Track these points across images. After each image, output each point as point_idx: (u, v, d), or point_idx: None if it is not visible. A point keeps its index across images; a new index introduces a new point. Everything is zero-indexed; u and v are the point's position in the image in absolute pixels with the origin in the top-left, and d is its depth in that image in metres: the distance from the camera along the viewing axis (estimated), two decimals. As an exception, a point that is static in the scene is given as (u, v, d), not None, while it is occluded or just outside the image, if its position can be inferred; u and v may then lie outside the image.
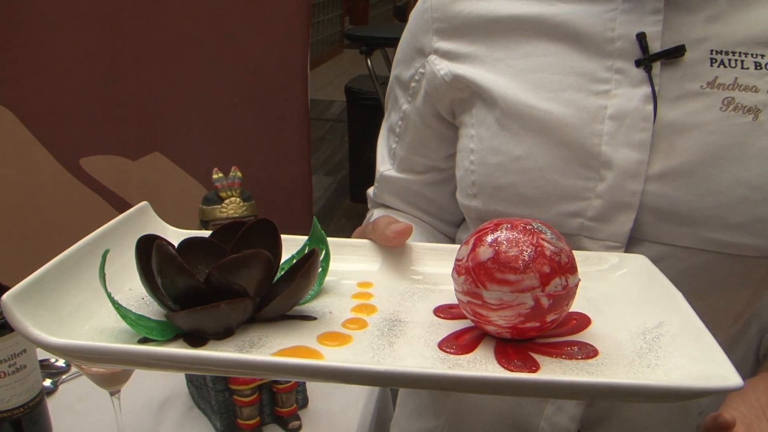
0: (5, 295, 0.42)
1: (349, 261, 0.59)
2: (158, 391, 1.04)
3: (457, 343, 0.48)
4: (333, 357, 0.45)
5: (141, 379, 1.05)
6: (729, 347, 0.70)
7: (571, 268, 0.47)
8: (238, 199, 0.87)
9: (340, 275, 0.57)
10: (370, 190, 0.86)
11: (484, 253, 0.46)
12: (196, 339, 0.45)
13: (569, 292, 0.46)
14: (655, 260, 0.60)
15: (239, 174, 0.89)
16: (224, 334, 0.47)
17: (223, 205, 0.86)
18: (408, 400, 0.86)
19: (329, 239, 0.57)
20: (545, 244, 0.46)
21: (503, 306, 0.46)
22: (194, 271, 0.47)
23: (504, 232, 0.47)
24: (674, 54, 0.60)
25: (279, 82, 1.59)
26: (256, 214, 0.90)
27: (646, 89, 0.60)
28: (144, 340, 0.45)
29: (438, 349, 0.47)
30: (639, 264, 0.56)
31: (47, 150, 1.55)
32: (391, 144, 0.81)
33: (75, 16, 1.50)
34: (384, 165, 0.82)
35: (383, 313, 0.52)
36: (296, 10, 1.55)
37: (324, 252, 0.56)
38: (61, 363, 1.09)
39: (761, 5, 0.60)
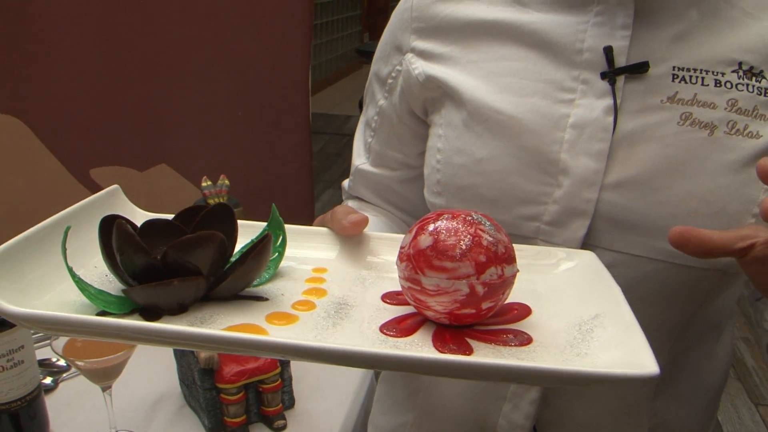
0: None
1: (307, 248, 0.61)
2: (152, 390, 1.07)
3: (398, 327, 0.51)
4: (277, 335, 0.48)
5: (136, 379, 1.09)
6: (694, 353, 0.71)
7: (507, 259, 0.49)
8: (225, 205, 0.91)
9: (298, 261, 0.60)
10: (345, 183, 0.89)
11: (424, 241, 0.49)
12: (152, 314, 0.48)
13: (505, 282, 0.49)
14: (608, 267, 0.62)
15: (227, 182, 0.93)
16: (178, 310, 0.50)
17: (212, 209, 0.90)
18: (384, 397, 0.88)
19: (290, 226, 0.60)
20: (483, 234, 0.49)
21: (440, 292, 0.49)
22: (154, 250, 0.50)
23: (444, 221, 0.50)
24: (638, 69, 0.62)
25: (282, 94, 1.64)
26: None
27: (609, 101, 0.62)
28: (102, 314, 0.48)
29: (379, 331, 0.50)
30: (586, 260, 0.58)
31: (58, 160, 1.61)
32: (367, 138, 0.83)
33: (83, 32, 1.56)
34: (359, 159, 0.85)
35: (332, 297, 0.54)
36: (298, 25, 1.60)
37: (281, 238, 0.59)
38: (62, 362, 1.13)
39: (728, 26, 0.62)
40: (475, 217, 0.50)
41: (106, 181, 1.63)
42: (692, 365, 0.71)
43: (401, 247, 0.52)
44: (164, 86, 1.60)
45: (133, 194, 1.85)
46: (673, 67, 0.62)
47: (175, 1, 1.56)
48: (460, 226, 0.49)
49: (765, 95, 0.61)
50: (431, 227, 0.50)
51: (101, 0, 1.55)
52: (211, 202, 0.91)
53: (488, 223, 0.50)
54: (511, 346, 0.48)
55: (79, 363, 0.86)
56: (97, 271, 0.53)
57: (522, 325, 0.52)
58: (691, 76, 0.61)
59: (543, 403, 0.70)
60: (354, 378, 1.12)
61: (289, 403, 1.04)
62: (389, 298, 0.55)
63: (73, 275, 0.47)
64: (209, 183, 0.92)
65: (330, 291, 0.56)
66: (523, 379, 0.43)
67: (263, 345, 0.42)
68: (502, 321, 0.52)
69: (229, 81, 1.62)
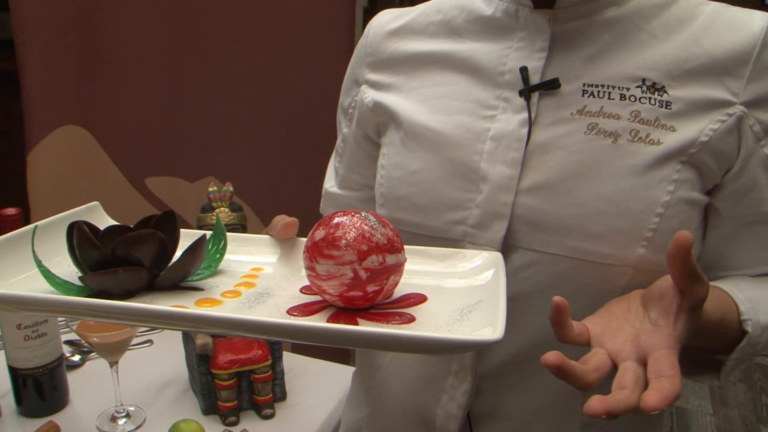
0: None
1: (250, 252, 0.71)
2: (162, 374, 1.19)
3: (302, 310, 0.59)
4: None
5: (148, 363, 1.22)
6: None
7: (390, 249, 0.57)
8: (227, 210, 1.02)
9: (239, 263, 0.69)
10: (321, 205, 0.99)
11: (319, 234, 0.58)
12: (103, 298, 0.59)
13: (387, 268, 0.57)
14: (527, 265, 0.69)
15: (231, 188, 1.03)
16: (125, 296, 0.60)
17: (214, 213, 1.01)
18: (350, 395, 0.96)
19: (237, 234, 0.71)
20: (366, 228, 0.57)
21: (330, 277, 0.57)
22: (106, 248, 0.61)
23: (337, 218, 0.58)
24: (550, 86, 0.69)
25: (323, 119, 1.75)
26: (245, 224, 1.04)
27: (525, 115, 0.69)
28: None
29: (286, 313, 0.59)
30: (490, 259, 0.65)
31: (118, 169, 1.78)
32: (336, 163, 0.93)
33: (146, 53, 1.73)
34: (329, 182, 0.94)
35: (258, 289, 0.64)
36: (341, 54, 1.72)
37: (222, 242, 0.69)
38: (91, 344, 1.27)
39: (636, 47, 0.69)
40: (364, 215, 0.58)
41: (160, 190, 1.79)
42: None
43: (306, 243, 0.60)
44: (216, 106, 1.75)
45: (183, 202, 2.03)
46: (584, 84, 0.68)
47: (228, 29, 1.71)
48: (348, 221, 0.58)
49: (666, 107, 0.66)
50: (326, 223, 0.59)
51: (164, 25, 1.72)
52: (215, 205, 1.02)
53: (374, 219, 0.58)
54: (394, 323, 0.56)
55: (93, 338, 0.99)
56: (69, 270, 0.64)
57: (414, 311, 0.59)
58: (599, 91, 0.68)
59: (475, 394, 0.75)
60: (346, 379, 1.20)
61: (281, 395, 1.13)
62: (307, 290, 0.64)
63: (39, 265, 0.59)
64: (215, 188, 1.03)
65: (259, 285, 0.65)
66: (378, 344, 0.50)
67: (166, 315, 0.52)
68: (396, 306, 0.60)
69: (275, 104, 1.75)
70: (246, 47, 1.73)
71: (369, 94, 0.81)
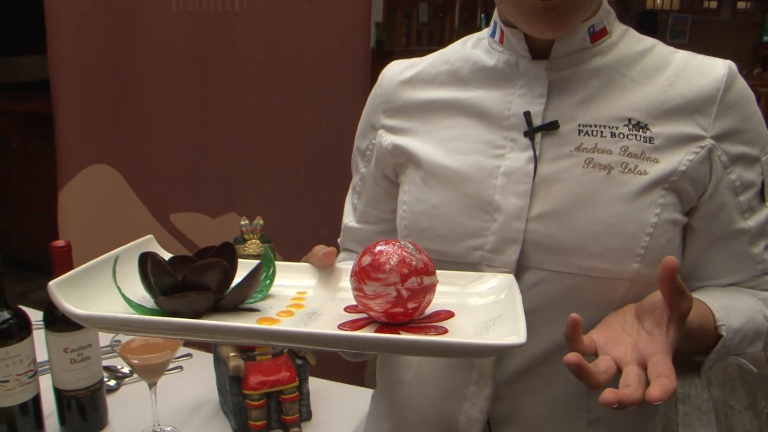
0: (51, 283, 0.66)
1: (294, 278, 0.80)
2: (194, 396, 1.27)
3: (351, 325, 0.68)
4: None
5: (181, 387, 1.29)
6: None
7: (426, 272, 0.66)
8: (257, 242, 1.11)
9: (285, 287, 0.78)
10: (340, 239, 1.07)
11: (365, 261, 0.67)
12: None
13: (424, 288, 0.66)
14: (538, 283, 0.78)
15: (261, 222, 1.13)
16: (193, 316, 0.69)
17: (246, 245, 1.10)
18: (373, 411, 1.03)
19: (281, 263, 0.80)
20: (406, 254, 0.66)
21: (377, 296, 0.66)
22: (177, 274, 0.70)
23: (380, 247, 0.67)
24: (551, 127, 0.79)
25: (338, 158, 1.85)
26: (274, 255, 1.13)
27: (530, 153, 0.80)
28: None
29: (337, 328, 0.67)
30: (505, 280, 0.75)
31: (144, 205, 1.88)
32: (354, 200, 1.02)
33: (173, 98, 1.84)
34: (348, 218, 1.04)
35: (307, 309, 0.72)
36: (355, 99, 1.82)
37: (271, 269, 0.77)
38: (125, 369, 1.34)
39: (621, 91, 0.79)
40: (403, 244, 0.67)
41: (184, 225, 1.89)
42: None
43: (352, 268, 0.69)
44: (237, 146, 1.85)
45: (205, 236, 2.13)
46: (579, 124, 0.79)
47: (249, 75, 1.82)
48: (390, 249, 0.67)
49: (650, 142, 0.77)
50: (370, 251, 0.68)
51: (190, 71, 1.83)
52: (246, 237, 1.11)
53: (412, 246, 0.67)
54: (431, 335, 0.65)
55: (133, 359, 1.07)
56: (137, 294, 0.73)
57: (446, 324, 0.68)
58: (592, 130, 0.78)
59: (495, 399, 0.84)
60: (364, 400, 1.27)
61: (307, 415, 1.20)
62: (350, 309, 0.73)
63: (119, 289, 0.68)
64: (246, 222, 1.12)
65: (307, 305, 0.74)
66: (420, 351, 0.60)
67: (246, 331, 0.61)
68: (430, 321, 0.69)
69: (292, 143, 1.85)
70: (265, 91, 1.84)
71: (387, 138, 0.91)
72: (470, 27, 7.96)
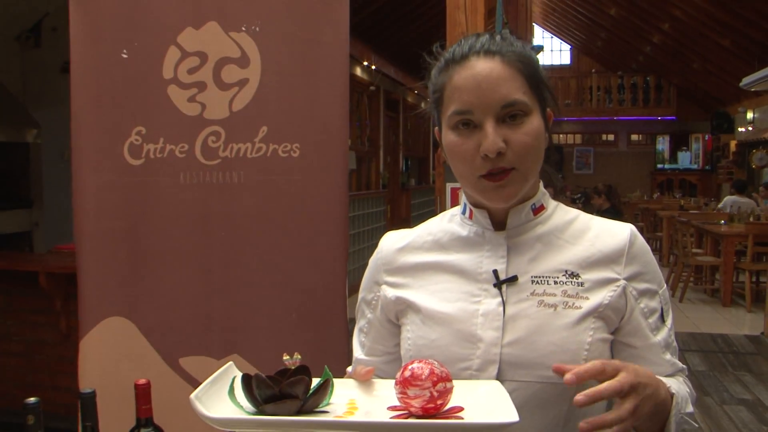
0: (192, 395, 0.96)
1: (345, 389, 1.10)
2: None
3: (399, 418, 1.00)
4: None
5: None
6: None
7: (447, 379, 0.99)
8: (294, 371, 1.41)
9: (339, 396, 1.08)
10: (349, 369, 1.33)
11: (407, 373, 0.99)
12: None
13: (447, 390, 0.98)
14: (512, 391, 1.07)
15: (299, 356, 1.44)
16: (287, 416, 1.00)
17: (286, 374, 1.40)
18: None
19: (335, 379, 1.10)
20: (435, 368, 0.99)
21: (416, 397, 0.98)
22: (275, 387, 1.01)
23: (416, 363, 1.00)
24: (512, 280, 1.11)
25: (324, 303, 2.19)
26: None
27: (499, 299, 1.10)
28: None
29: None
30: (493, 386, 1.06)
31: (156, 351, 2.14)
32: (361, 338, 1.27)
33: (180, 256, 2.16)
34: (357, 352, 1.28)
35: (360, 411, 1.03)
36: (337, 247, 2.19)
37: (331, 384, 1.09)
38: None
39: (558, 250, 1.11)
40: (431, 361, 1.01)
41: (192, 368, 2.14)
42: (587, 412, 1.02)
43: (396, 378, 1.01)
44: (238, 296, 2.16)
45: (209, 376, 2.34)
46: (531, 276, 1.12)
47: (246, 233, 2.16)
48: (423, 365, 1.00)
49: (581, 286, 1.09)
50: (410, 366, 1.01)
51: (196, 232, 2.16)
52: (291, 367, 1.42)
53: (437, 362, 1.01)
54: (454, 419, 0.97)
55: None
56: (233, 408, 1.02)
57: (461, 414, 1.00)
58: (541, 280, 1.11)
59: None
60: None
61: None
62: (392, 408, 1.04)
63: (234, 401, 0.99)
64: (288, 357, 1.43)
65: (360, 408, 1.05)
66: (449, 430, 0.92)
67: (336, 425, 0.93)
68: (449, 413, 1.01)
69: (285, 293, 2.17)
70: (260, 247, 2.18)
71: (390, 291, 1.22)
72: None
